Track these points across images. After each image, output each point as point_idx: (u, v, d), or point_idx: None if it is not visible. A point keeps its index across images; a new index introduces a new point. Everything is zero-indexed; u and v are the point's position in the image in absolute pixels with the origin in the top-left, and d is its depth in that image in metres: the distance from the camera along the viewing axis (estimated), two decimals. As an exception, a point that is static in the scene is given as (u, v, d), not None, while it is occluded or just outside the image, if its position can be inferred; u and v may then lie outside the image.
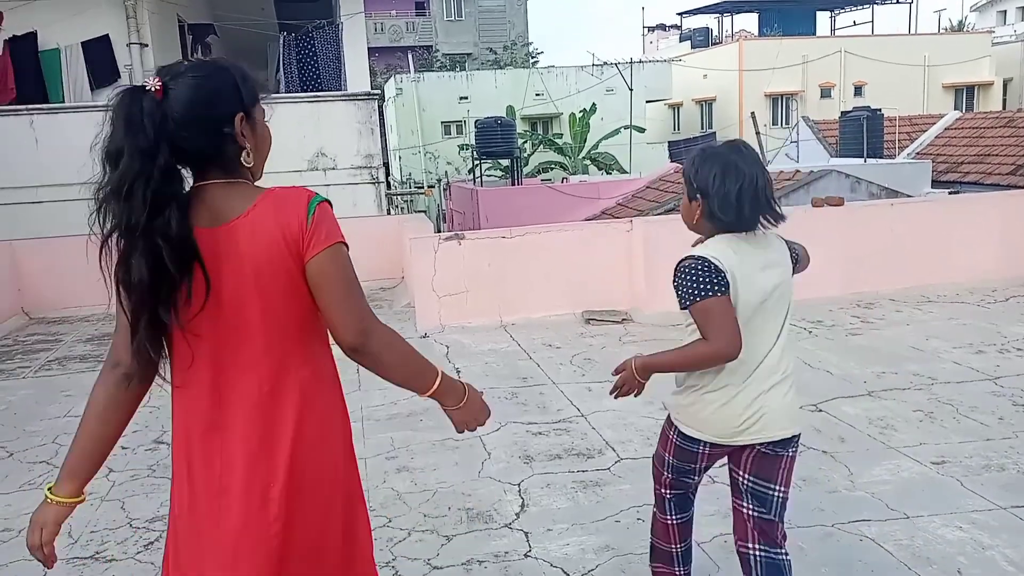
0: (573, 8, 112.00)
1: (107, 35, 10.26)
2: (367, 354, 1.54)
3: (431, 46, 43.14)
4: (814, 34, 37.44)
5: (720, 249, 2.12)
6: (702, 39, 38.14)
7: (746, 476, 2.21)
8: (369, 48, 37.03)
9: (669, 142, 25.36)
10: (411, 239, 6.29)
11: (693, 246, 2.22)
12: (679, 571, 2.46)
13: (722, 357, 2.09)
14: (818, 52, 32.34)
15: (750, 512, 2.22)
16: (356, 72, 11.12)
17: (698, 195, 2.16)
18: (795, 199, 12.32)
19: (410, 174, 27.69)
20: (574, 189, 17.53)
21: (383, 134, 35.45)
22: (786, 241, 2.31)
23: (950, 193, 13.71)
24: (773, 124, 31.68)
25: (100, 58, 10.27)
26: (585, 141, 25.96)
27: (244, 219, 1.51)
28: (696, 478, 2.36)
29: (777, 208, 2.16)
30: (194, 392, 1.55)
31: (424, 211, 20.84)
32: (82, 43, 10.18)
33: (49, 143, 9.09)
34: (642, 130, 26.38)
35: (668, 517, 2.41)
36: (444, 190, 22.47)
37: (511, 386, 4.86)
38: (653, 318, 6.38)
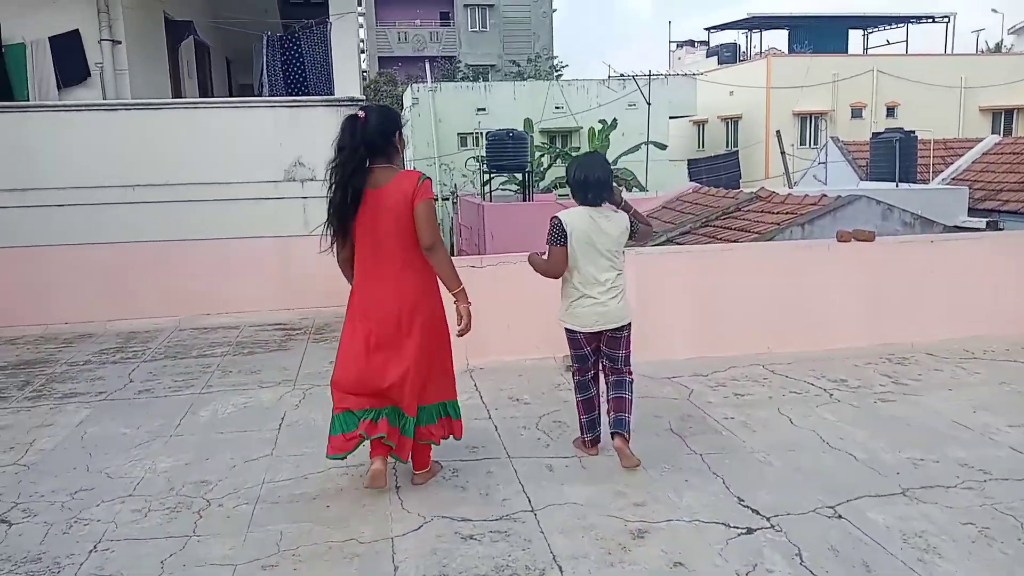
0: (600, 22, 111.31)
1: (77, 30, 9.51)
2: (430, 253, 3.46)
3: (454, 56, 42.57)
4: (846, 52, 36.26)
5: (570, 214, 3.79)
6: (729, 55, 37.09)
7: (603, 347, 3.90)
8: (392, 57, 36.40)
9: (689, 160, 24.38)
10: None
11: None
12: (587, 437, 4.02)
13: (548, 275, 3.89)
14: (850, 71, 31.21)
15: (606, 364, 3.93)
16: (345, 76, 10.28)
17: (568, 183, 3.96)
18: (821, 227, 11.30)
19: (424, 186, 26.86)
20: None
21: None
22: (632, 219, 3.87)
23: (988, 223, 12.64)
24: (801, 144, 30.54)
25: (69, 55, 9.52)
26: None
27: (389, 184, 3.41)
28: (589, 360, 3.94)
29: (608, 194, 3.80)
30: (363, 265, 3.50)
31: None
32: (50, 38, 9.43)
33: (5, 144, 8.35)
34: (663, 147, 25.40)
35: (577, 397, 3.98)
36: (454, 203, 21.63)
37: (455, 459, 3.94)
38: (646, 368, 5.44)
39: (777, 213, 12.29)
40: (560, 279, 3.85)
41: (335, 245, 3.51)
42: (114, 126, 8.63)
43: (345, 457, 3.50)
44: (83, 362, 6.22)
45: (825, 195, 12.43)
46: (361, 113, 3.41)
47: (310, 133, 9.16)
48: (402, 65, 41.24)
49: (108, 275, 7.64)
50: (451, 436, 3.72)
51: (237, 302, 7.67)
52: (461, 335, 3.59)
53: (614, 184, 3.85)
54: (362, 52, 47.71)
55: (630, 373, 3.89)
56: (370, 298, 3.46)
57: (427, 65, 35.25)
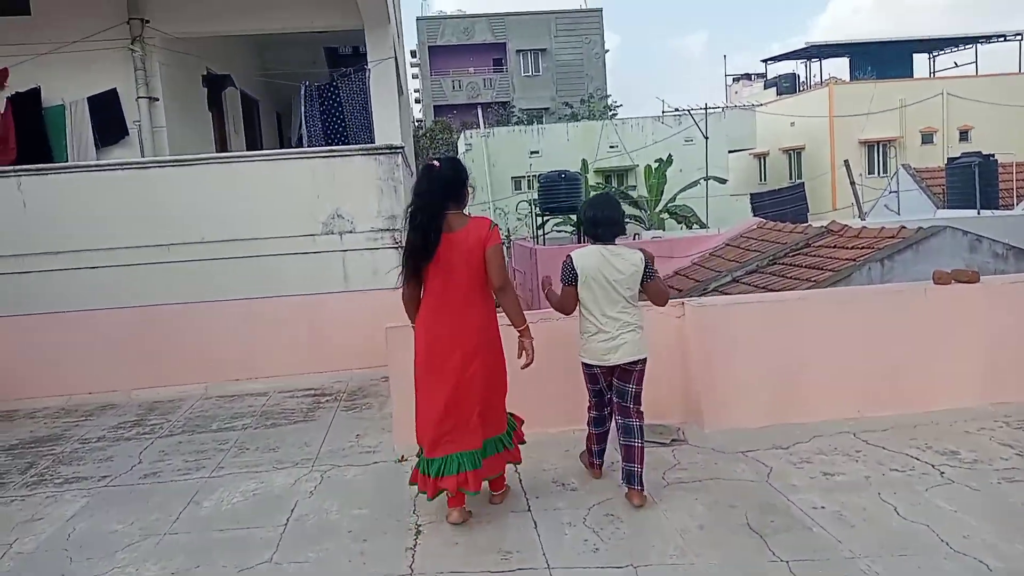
0: (652, 62, 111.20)
1: (114, 89, 9.39)
2: (501, 294, 3.78)
3: (508, 102, 42.67)
4: (911, 77, 34.87)
5: (582, 252, 4.01)
6: (788, 86, 36.10)
7: (615, 380, 4.04)
8: (447, 105, 36.75)
9: (752, 194, 23.41)
10: (388, 328, 4.82)
11: None
12: (595, 461, 4.33)
13: (562, 312, 4.08)
14: (917, 95, 29.90)
15: (615, 399, 4.06)
16: (385, 123, 9.90)
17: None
18: (903, 262, 10.34)
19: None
20: (647, 247, 15.86)
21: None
22: (646, 262, 3.98)
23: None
24: (869, 173, 29.27)
25: (107, 114, 9.39)
26: (662, 194, 24.34)
27: (463, 230, 3.70)
28: (606, 396, 4.14)
29: (620, 232, 4.08)
30: (431, 302, 3.77)
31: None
32: (88, 98, 9.34)
33: (38, 207, 8.15)
34: (723, 181, 24.54)
35: (591, 429, 4.25)
36: (507, 248, 21.15)
37: (483, 570, 3.26)
38: (715, 439, 4.70)
39: (852, 248, 11.35)
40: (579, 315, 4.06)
41: (404, 284, 3.81)
42: (146, 184, 8.36)
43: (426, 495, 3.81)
44: (96, 439, 5.76)
45: (904, 226, 11.43)
46: (436, 163, 3.76)
47: (348, 183, 8.75)
48: (457, 112, 41.52)
49: (134, 340, 7.25)
50: (514, 463, 4.11)
51: (268, 366, 7.19)
52: (525, 368, 3.90)
53: (626, 224, 4.25)
54: (417, 101, 48.47)
55: (639, 415, 3.99)
56: (436, 337, 3.76)
57: (480, 111, 35.25)
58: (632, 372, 3.94)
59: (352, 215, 8.72)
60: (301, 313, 7.57)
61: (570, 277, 3.93)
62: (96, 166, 8.50)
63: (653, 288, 4.01)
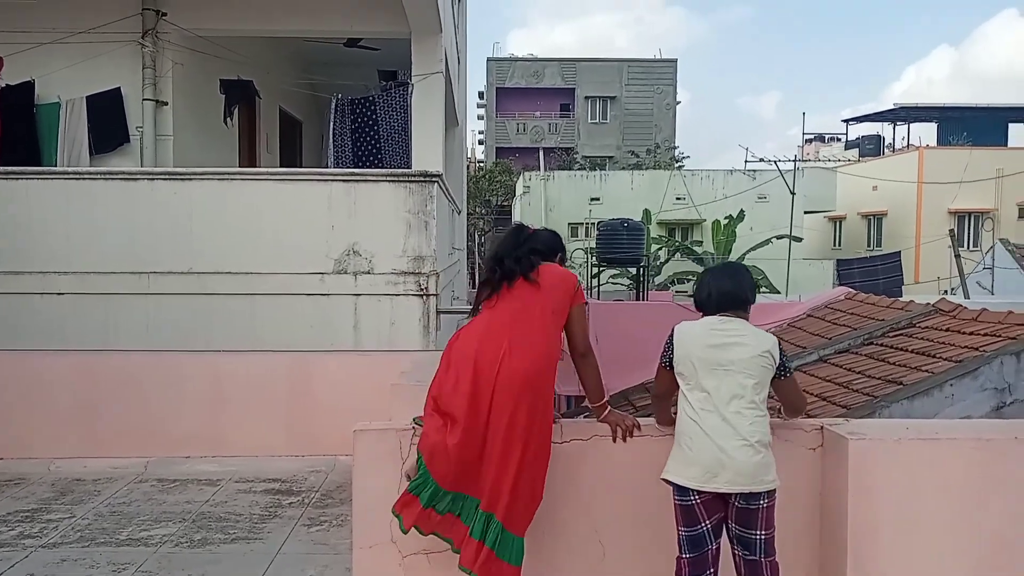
0: (723, 118, 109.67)
1: (118, 89, 8.15)
2: (583, 360, 3.17)
3: (572, 147, 41.60)
4: (1005, 146, 32.54)
5: (687, 324, 3.01)
6: (872, 147, 34.06)
7: (731, 523, 2.84)
8: (509, 148, 36.01)
9: (838, 260, 21.43)
10: (356, 431, 3.15)
11: None
12: None
13: (657, 402, 3.24)
14: (1016, 165, 27.53)
15: (737, 552, 2.85)
16: (424, 148, 8.44)
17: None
18: None
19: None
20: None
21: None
22: (781, 350, 2.93)
23: None
24: (959, 246, 26.92)
25: (107, 116, 8.14)
26: (730, 252, 22.52)
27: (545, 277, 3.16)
28: (708, 547, 2.83)
29: (736, 307, 2.97)
30: (481, 327, 3.10)
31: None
32: (87, 97, 8.11)
33: (15, 219, 6.87)
34: (799, 240, 22.60)
35: None
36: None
37: None
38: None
39: (971, 334, 9.37)
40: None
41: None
42: (131, 199, 7.01)
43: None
44: (-30, 533, 4.24)
45: (1011, 311, 9.44)
46: (531, 228, 3.43)
47: (370, 214, 7.26)
48: (520, 156, 40.63)
49: (69, 393, 5.76)
50: None
51: (231, 441, 5.60)
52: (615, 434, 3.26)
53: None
54: (481, 143, 47.75)
55: (775, 570, 2.83)
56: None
57: (541, 153, 34.05)
58: (755, 509, 2.79)
59: (372, 253, 7.22)
60: (287, 375, 5.99)
61: (667, 357, 3.01)
62: (75, 173, 7.18)
63: (788, 388, 2.99)
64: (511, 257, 3.16)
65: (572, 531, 3.21)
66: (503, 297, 3.11)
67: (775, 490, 2.84)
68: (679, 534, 2.89)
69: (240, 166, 9.79)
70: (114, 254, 6.92)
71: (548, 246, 3.30)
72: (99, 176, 7.11)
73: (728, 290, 2.98)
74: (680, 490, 2.86)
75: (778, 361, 2.91)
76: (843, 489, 3.08)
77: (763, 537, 2.82)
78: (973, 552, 3.09)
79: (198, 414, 5.67)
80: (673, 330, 3.03)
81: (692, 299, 3.16)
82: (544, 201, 27.15)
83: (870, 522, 3.06)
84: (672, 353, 2.98)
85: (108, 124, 8.12)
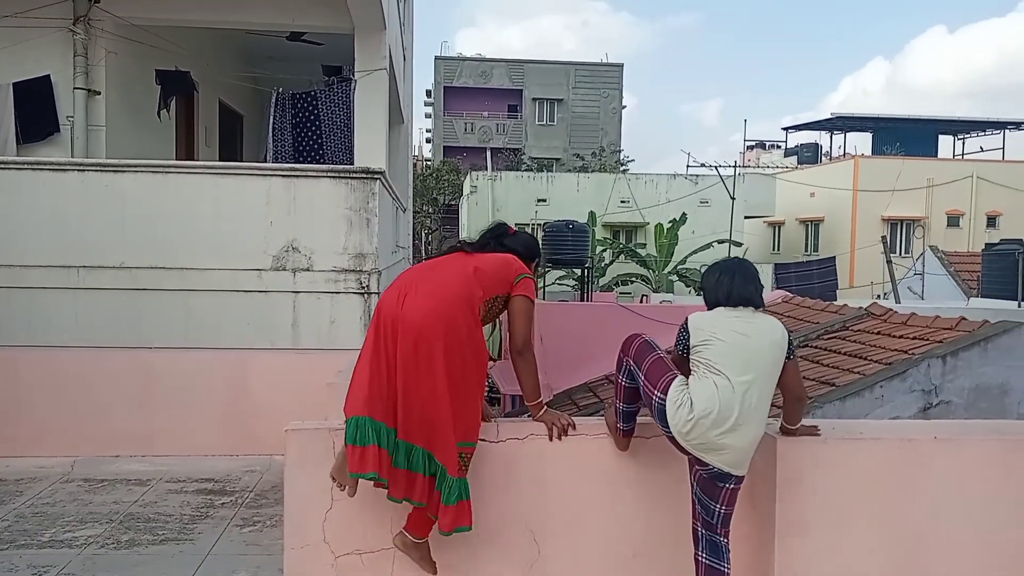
0: (668, 121, 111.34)
1: (48, 76, 7.85)
2: (521, 358, 3.12)
3: (519, 148, 41.67)
4: (936, 157, 33.77)
5: (703, 314, 3.01)
6: (810, 155, 34.96)
7: (695, 483, 2.95)
8: (457, 147, 35.82)
9: (777, 264, 21.91)
10: (288, 430, 3.09)
11: None
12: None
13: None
14: (946, 176, 28.62)
15: (698, 508, 2.97)
16: (367, 145, 8.34)
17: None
18: (967, 360, 8.65)
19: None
20: (655, 312, 14.16)
21: (457, 234, 33.17)
22: (788, 337, 2.92)
23: None
24: (891, 252, 27.83)
25: (35, 104, 7.83)
26: (672, 255, 22.83)
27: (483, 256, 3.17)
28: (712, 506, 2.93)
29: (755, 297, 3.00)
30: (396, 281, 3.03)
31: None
32: (14, 84, 7.80)
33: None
34: (739, 244, 23.08)
35: (699, 553, 2.96)
36: (505, 300, 19.49)
37: None
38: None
39: (900, 337, 9.68)
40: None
41: None
42: (60, 191, 6.78)
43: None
44: None
45: (964, 318, 9.78)
46: (512, 228, 3.41)
47: (310, 210, 7.15)
48: (467, 155, 40.48)
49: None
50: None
51: (163, 440, 5.47)
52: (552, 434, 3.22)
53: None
54: (428, 141, 47.42)
55: (726, 535, 2.98)
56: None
57: (489, 154, 34.05)
58: (722, 489, 2.90)
59: (311, 249, 7.11)
60: (222, 373, 5.87)
61: (681, 343, 3.00)
62: (0, 163, 6.91)
63: (792, 372, 2.96)
64: (474, 241, 3.25)
65: (507, 532, 3.21)
66: (435, 260, 3.16)
67: (743, 477, 2.93)
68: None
69: (177, 159, 9.54)
70: (42, 247, 6.70)
71: (527, 247, 3.32)
72: (27, 166, 6.86)
73: (750, 296, 2.99)
74: (675, 440, 2.90)
75: (787, 349, 2.94)
76: (772, 485, 3.15)
77: (724, 511, 2.93)
78: (896, 547, 3.19)
79: (128, 412, 5.51)
80: (687, 319, 3.00)
81: (701, 295, 3.12)
82: (491, 201, 27.15)
83: (797, 518, 3.13)
84: (688, 340, 2.96)
85: (37, 112, 7.82)
